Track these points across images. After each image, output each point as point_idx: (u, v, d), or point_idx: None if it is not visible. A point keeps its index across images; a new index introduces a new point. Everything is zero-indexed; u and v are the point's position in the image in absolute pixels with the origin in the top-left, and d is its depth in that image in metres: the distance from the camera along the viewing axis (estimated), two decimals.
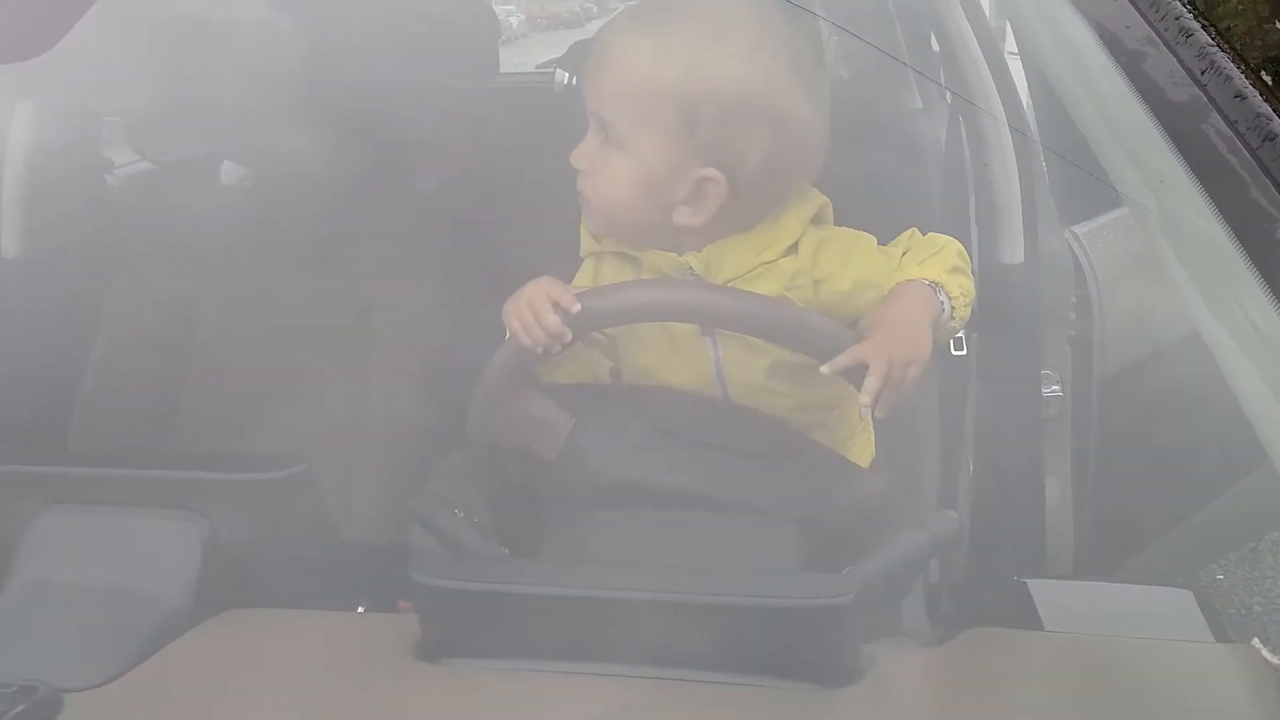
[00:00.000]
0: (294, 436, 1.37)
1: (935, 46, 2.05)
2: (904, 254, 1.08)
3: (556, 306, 0.96)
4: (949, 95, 1.96)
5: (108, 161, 1.93)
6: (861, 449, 1.15)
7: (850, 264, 1.05)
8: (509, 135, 1.74)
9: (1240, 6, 6.55)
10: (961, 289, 1.04)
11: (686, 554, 0.93)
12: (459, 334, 1.46)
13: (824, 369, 0.96)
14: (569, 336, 0.97)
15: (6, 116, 1.66)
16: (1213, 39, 0.68)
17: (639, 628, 0.72)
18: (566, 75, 2.39)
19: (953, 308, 1.03)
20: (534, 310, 0.97)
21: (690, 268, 1.04)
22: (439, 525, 0.96)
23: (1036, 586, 0.79)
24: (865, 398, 0.93)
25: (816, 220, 1.08)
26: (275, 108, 1.47)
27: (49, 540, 0.85)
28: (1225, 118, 0.63)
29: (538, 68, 3.80)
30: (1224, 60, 0.66)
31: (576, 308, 0.96)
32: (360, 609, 0.97)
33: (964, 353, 1.49)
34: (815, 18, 1.68)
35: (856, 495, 1.06)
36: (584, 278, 1.11)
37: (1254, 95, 0.64)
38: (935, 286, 1.02)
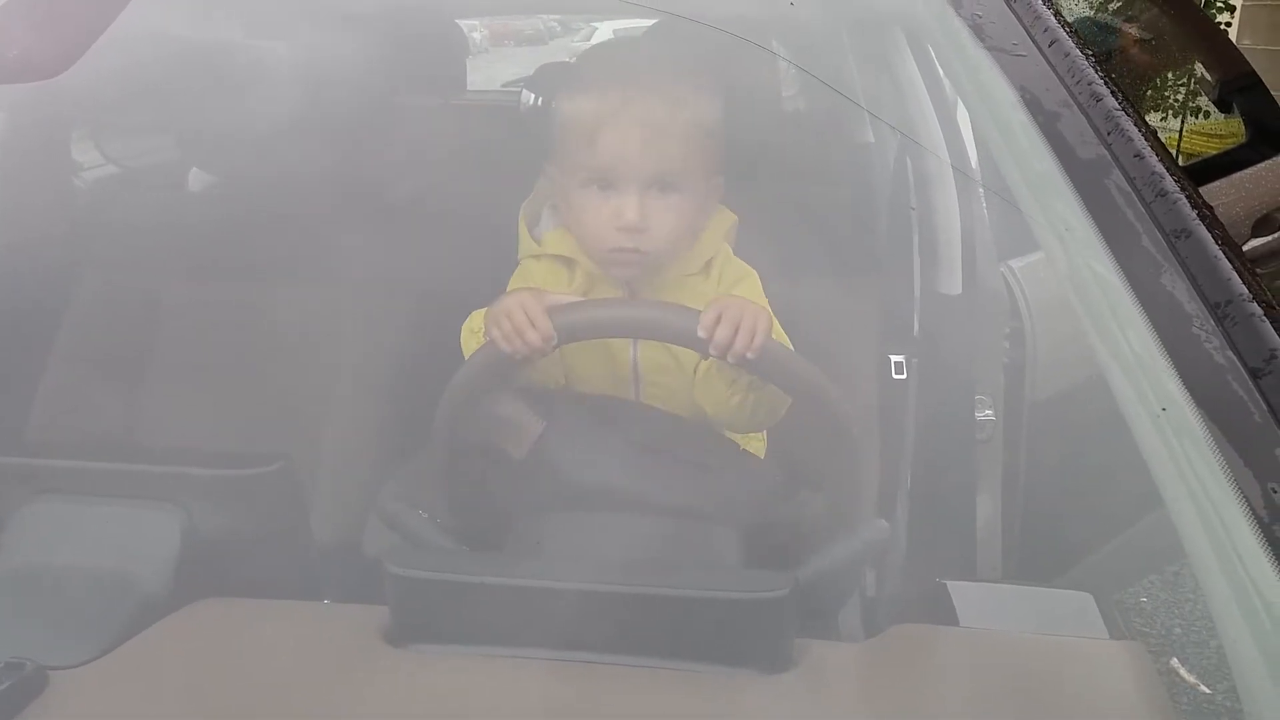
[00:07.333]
0: (256, 437, 1.40)
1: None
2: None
3: (536, 322, 1.00)
4: (899, 132, 2.03)
5: (75, 164, 1.95)
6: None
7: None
8: (476, 150, 1.78)
9: None
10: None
11: (639, 555, 0.99)
12: (422, 341, 1.49)
13: (700, 332, 0.99)
14: (551, 348, 1.02)
15: None
16: (1119, 104, 0.76)
17: (594, 617, 0.78)
18: (533, 96, 2.44)
19: None
20: (515, 323, 1.01)
21: None
22: (405, 525, 1.02)
23: (955, 588, 0.87)
24: (714, 350, 0.99)
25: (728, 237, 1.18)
26: (246, 121, 1.51)
27: (35, 528, 0.88)
28: (1125, 174, 0.72)
29: (503, 86, 3.87)
30: (1127, 123, 0.74)
31: (552, 336, 1.00)
32: (325, 601, 1.02)
33: (903, 376, 1.56)
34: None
35: (797, 507, 1.14)
36: (519, 280, 1.17)
37: (1151, 155, 0.72)
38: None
